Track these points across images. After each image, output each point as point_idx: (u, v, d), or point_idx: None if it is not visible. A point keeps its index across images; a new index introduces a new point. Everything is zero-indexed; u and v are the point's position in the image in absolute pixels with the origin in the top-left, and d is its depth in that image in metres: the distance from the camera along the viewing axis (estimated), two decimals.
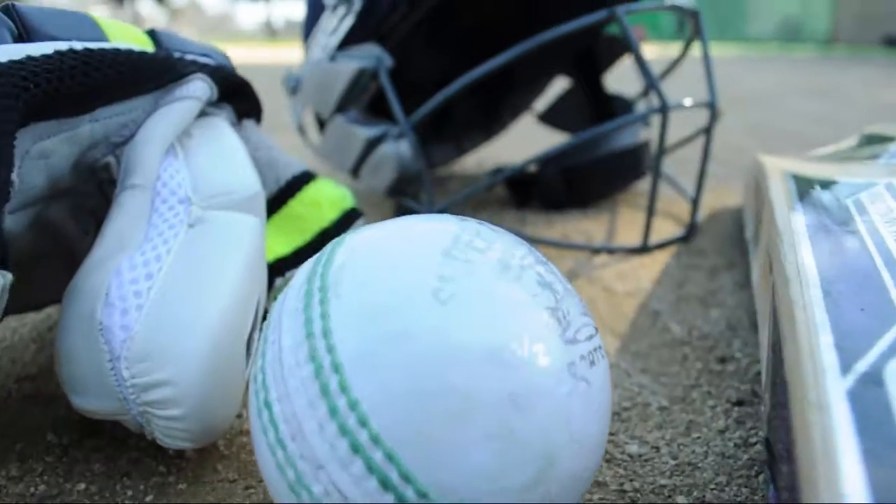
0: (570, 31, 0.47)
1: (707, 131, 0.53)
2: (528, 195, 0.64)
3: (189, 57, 0.35)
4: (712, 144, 0.54)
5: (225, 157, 0.31)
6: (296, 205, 0.37)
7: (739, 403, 0.31)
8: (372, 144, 0.53)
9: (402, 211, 0.58)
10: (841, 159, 0.45)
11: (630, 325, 0.39)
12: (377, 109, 0.59)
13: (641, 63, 0.49)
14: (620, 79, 0.83)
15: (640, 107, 0.72)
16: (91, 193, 0.33)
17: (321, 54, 0.56)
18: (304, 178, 0.38)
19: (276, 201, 0.37)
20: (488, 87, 0.79)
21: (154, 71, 0.31)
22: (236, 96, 0.37)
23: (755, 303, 0.40)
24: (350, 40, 0.55)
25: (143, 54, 0.31)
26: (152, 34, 0.36)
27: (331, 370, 0.16)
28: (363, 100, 0.55)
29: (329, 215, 0.38)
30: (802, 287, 0.23)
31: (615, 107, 0.71)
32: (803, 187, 0.35)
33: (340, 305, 0.17)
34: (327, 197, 0.38)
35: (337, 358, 0.16)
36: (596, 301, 0.43)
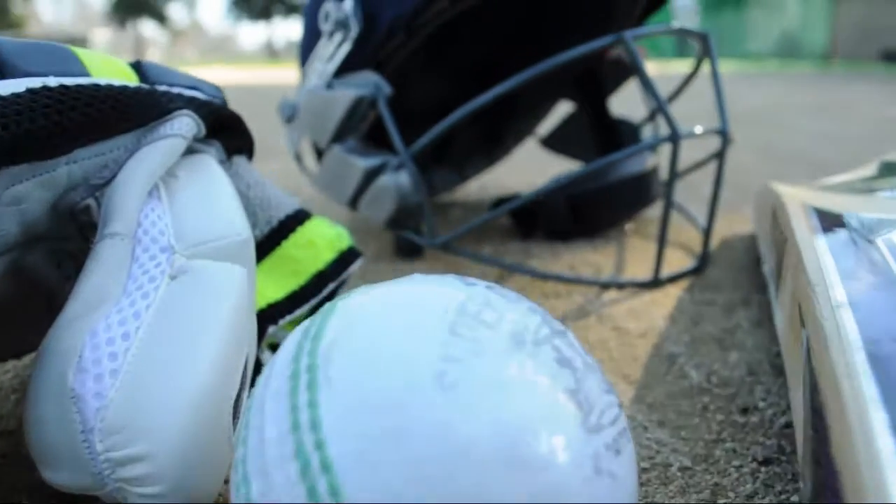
0: (576, 57, 0.45)
1: (719, 158, 0.51)
2: (533, 225, 0.62)
3: (175, 90, 0.33)
4: (724, 172, 0.52)
5: (211, 201, 0.29)
6: (289, 246, 0.35)
7: (767, 462, 0.29)
8: (370, 175, 0.51)
9: (401, 244, 0.56)
10: (862, 190, 0.43)
11: (644, 370, 0.37)
12: (376, 138, 0.57)
13: (651, 89, 0.47)
14: (623, 101, 0.81)
15: (647, 131, 0.70)
16: (71, 237, 0.31)
17: (318, 81, 0.55)
18: (297, 218, 0.36)
19: (269, 242, 0.35)
20: (491, 112, 0.77)
21: (137, 108, 0.29)
22: (226, 131, 0.35)
23: (780, 347, 0.37)
24: (347, 67, 0.53)
25: (124, 90, 0.29)
26: (137, 66, 0.34)
27: (320, 470, 0.14)
28: (361, 129, 0.53)
29: (325, 256, 0.36)
30: (845, 350, 0.20)
31: (621, 132, 0.69)
32: (828, 224, 0.33)
33: (331, 392, 0.15)
34: (323, 237, 0.36)
35: (327, 456, 0.14)
36: (607, 342, 0.40)
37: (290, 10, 23.59)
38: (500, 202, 0.61)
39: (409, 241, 0.54)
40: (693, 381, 0.36)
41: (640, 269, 0.54)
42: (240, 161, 0.36)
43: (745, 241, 0.61)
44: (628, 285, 0.49)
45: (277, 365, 0.17)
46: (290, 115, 0.58)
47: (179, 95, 0.32)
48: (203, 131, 0.32)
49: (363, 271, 0.54)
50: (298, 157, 0.63)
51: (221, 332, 0.24)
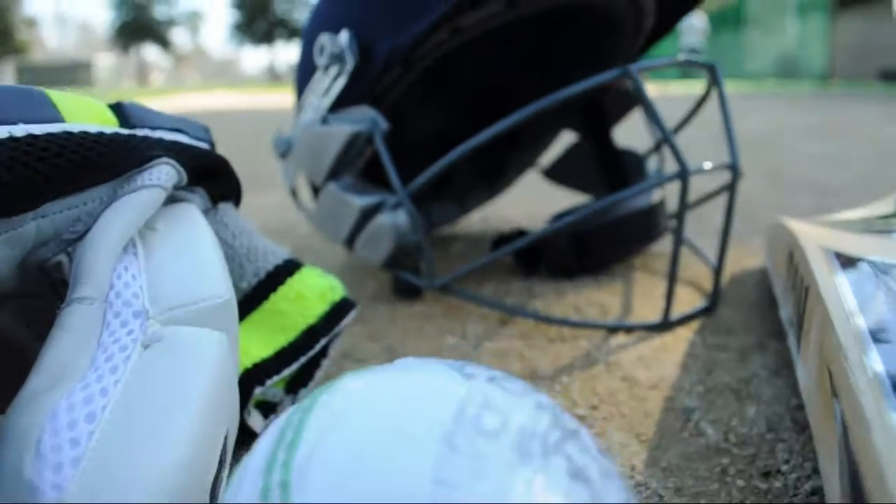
0: (581, 91, 0.44)
1: (730, 193, 0.49)
2: (536, 262, 0.60)
3: (156, 135, 0.31)
4: (735, 209, 0.50)
5: (191, 258, 0.27)
6: (277, 300, 0.33)
7: None
8: (367, 214, 0.49)
9: (400, 284, 0.54)
10: (882, 230, 0.41)
11: (658, 427, 0.35)
12: (373, 174, 0.55)
13: (658, 122, 0.45)
14: (627, 130, 0.79)
15: (652, 162, 0.68)
16: (43, 294, 0.29)
17: (313, 116, 0.53)
18: (287, 269, 0.34)
19: (256, 295, 0.33)
20: (492, 144, 0.75)
21: (112, 157, 0.27)
22: (212, 177, 0.33)
23: (800, 400, 0.35)
24: (343, 101, 0.51)
25: (100, 137, 0.28)
26: (118, 109, 0.32)
27: None
28: (357, 165, 0.51)
29: (315, 310, 0.33)
30: (886, 434, 0.18)
31: (625, 163, 0.67)
32: (853, 272, 0.31)
33: None
34: (313, 289, 0.34)
35: None
36: (616, 395, 0.38)
37: (292, 34, 23.80)
38: (501, 239, 0.59)
39: (406, 282, 0.52)
40: (710, 440, 0.33)
41: (648, 308, 0.52)
42: (226, 208, 0.34)
43: (756, 276, 0.59)
44: (637, 328, 0.47)
45: (249, 473, 0.15)
46: (284, 150, 0.57)
47: (160, 140, 0.31)
48: (185, 179, 0.30)
49: (360, 313, 0.52)
50: (294, 193, 0.61)
51: (197, 408, 0.22)
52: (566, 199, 0.90)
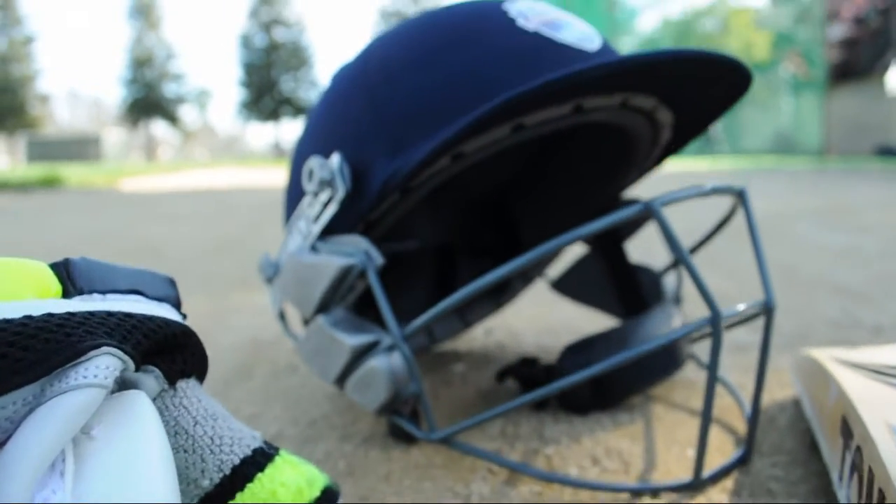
0: (600, 229, 0.39)
1: (764, 334, 0.44)
2: None
3: (105, 306, 0.27)
4: (769, 349, 0.44)
5: (132, 481, 0.22)
6: (246, 501, 0.27)
7: None
8: (359, 355, 0.44)
9: (395, 432, 0.48)
10: None
11: None
12: (367, 299, 0.50)
13: (685, 261, 0.40)
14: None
15: (669, 280, 0.63)
16: None
17: (301, 242, 0.48)
18: (256, 462, 0.28)
19: (220, 495, 0.28)
20: (497, 254, 0.71)
21: (38, 352, 0.23)
22: (171, 352, 0.28)
23: None
24: (334, 228, 0.47)
25: (24, 326, 0.23)
26: (65, 269, 0.28)
27: None
28: (348, 300, 0.46)
29: None
30: None
31: (639, 280, 0.62)
32: None
33: None
34: (288, 486, 0.28)
35: None
36: None
37: (298, 111, 24.34)
38: (506, 371, 0.54)
39: (403, 430, 0.47)
40: None
41: (673, 457, 0.46)
42: (186, 387, 0.29)
43: (788, 412, 0.53)
44: (664, 491, 0.41)
45: None
46: (270, 275, 0.52)
47: (106, 317, 0.26)
48: (132, 367, 0.25)
49: (351, 462, 0.46)
50: (282, 316, 0.56)
51: None
52: (573, 307, 0.85)
